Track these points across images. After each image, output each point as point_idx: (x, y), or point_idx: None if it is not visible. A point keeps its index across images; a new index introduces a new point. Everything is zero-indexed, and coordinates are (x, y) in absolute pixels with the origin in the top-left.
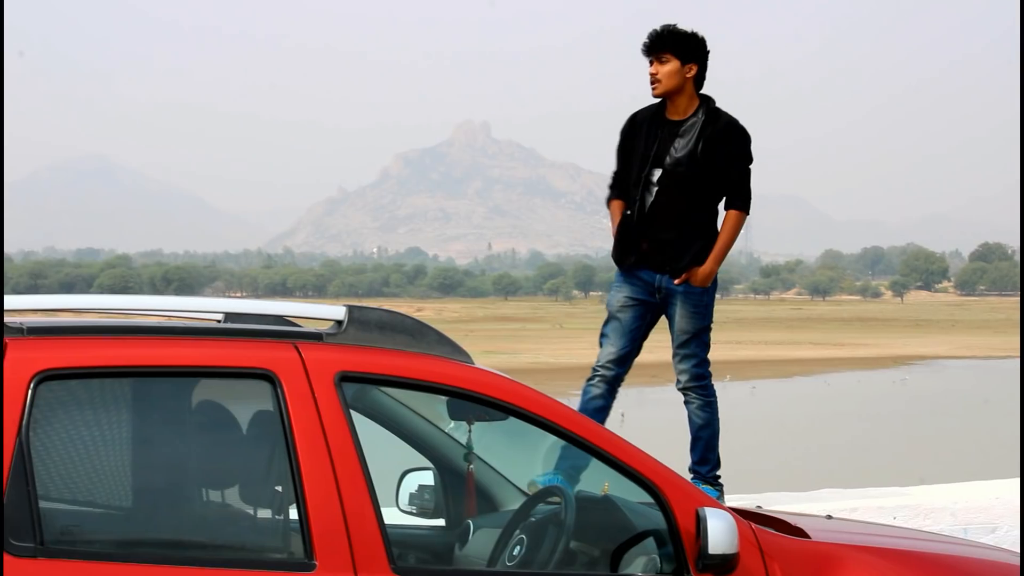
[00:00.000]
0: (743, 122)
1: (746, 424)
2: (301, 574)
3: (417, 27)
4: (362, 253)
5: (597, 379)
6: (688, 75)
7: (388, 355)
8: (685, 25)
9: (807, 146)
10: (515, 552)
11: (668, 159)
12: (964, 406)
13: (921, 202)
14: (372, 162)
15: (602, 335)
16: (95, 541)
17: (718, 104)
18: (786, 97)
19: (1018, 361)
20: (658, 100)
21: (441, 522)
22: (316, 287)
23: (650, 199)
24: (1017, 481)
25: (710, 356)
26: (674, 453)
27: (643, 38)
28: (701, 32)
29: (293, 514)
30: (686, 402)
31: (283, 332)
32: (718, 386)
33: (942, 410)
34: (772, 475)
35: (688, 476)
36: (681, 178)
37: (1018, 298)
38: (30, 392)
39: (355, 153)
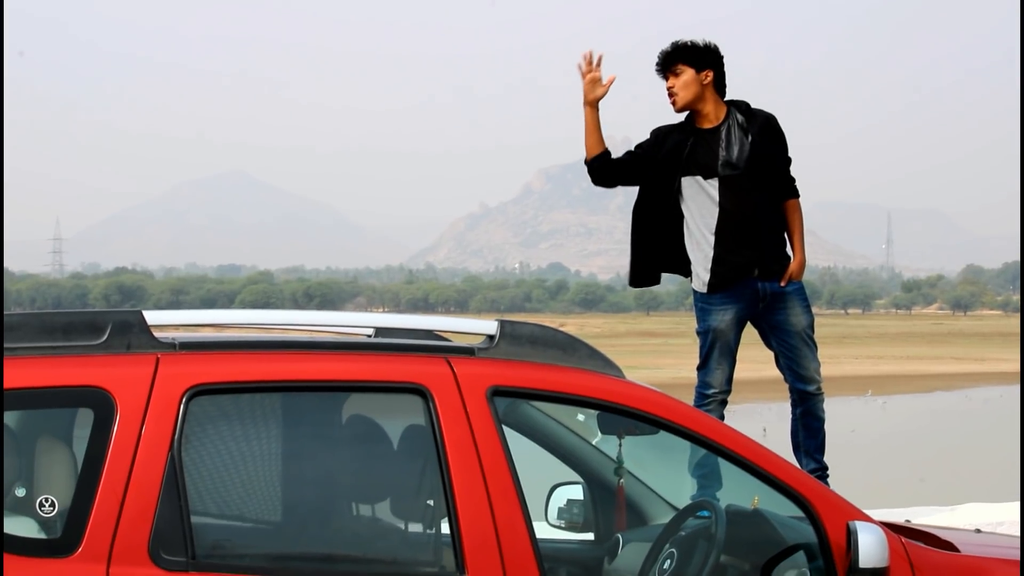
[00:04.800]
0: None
1: (890, 438)
2: None
3: (557, 43)
4: (504, 268)
5: (714, 404)
6: (706, 82)
7: (540, 369)
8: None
9: (948, 161)
10: (665, 566)
11: (720, 166)
12: None
13: None
14: (514, 178)
15: (708, 358)
16: (246, 555)
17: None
18: (932, 115)
19: None
20: (683, 116)
21: (591, 536)
22: (458, 302)
23: (715, 211)
24: None
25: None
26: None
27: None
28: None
29: (445, 528)
30: (813, 400)
31: (435, 347)
32: (860, 401)
33: None
34: (918, 489)
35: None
36: (744, 181)
37: None
38: (182, 407)
39: (497, 169)
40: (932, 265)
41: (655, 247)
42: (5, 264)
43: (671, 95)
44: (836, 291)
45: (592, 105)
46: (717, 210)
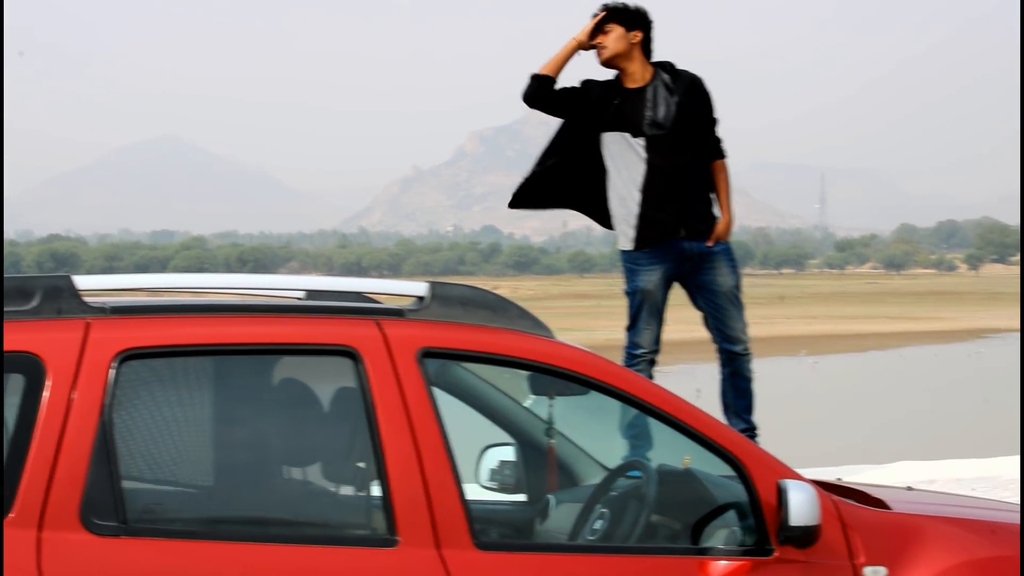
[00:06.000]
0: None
1: (822, 398)
2: (384, 550)
3: (490, 6)
4: (437, 232)
5: (644, 364)
6: (634, 41)
7: (470, 330)
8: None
9: (883, 121)
10: (596, 526)
11: (647, 126)
12: None
13: (996, 175)
14: (446, 141)
15: (636, 319)
16: (177, 519)
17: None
18: (864, 73)
19: None
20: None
21: (522, 497)
22: (391, 266)
23: (642, 169)
24: None
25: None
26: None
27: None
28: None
29: (375, 490)
30: (740, 360)
31: (365, 309)
32: (794, 360)
33: (1018, 382)
34: (851, 448)
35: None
36: (671, 141)
37: None
38: (113, 371)
39: (429, 132)
40: (866, 225)
41: (558, 180)
42: None
43: (598, 47)
44: (769, 251)
45: (577, 47)
46: (644, 168)
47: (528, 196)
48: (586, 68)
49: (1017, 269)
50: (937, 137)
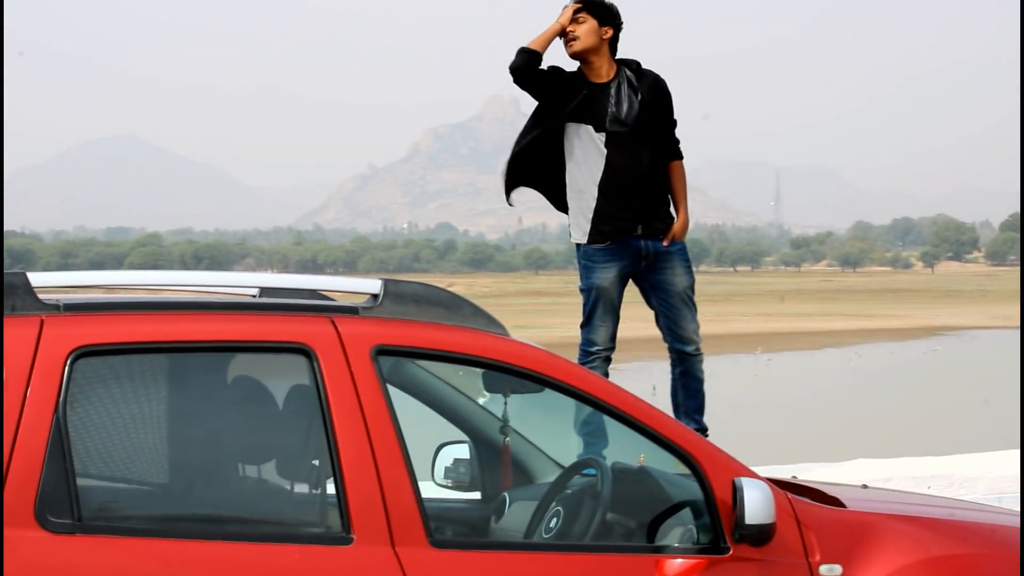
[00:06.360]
0: (778, 88)
1: (778, 395)
2: (338, 548)
3: (446, 2)
4: (392, 229)
5: (599, 361)
6: (605, 37)
7: (424, 328)
8: None
9: (838, 118)
10: (551, 524)
11: (609, 122)
12: (995, 376)
13: (951, 172)
14: (402, 138)
15: (591, 316)
16: (132, 517)
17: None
18: (818, 71)
19: None
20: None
21: (477, 495)
22: (347, 263)
23: (601, 164)
24: None
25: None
26: (707, 424)
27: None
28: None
29: (330, 488)
30: (691, 360)
31: (319, 306)
32: (749, 358)
33: (973, 380)
34: (807, 446)
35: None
36: (632, 139)
37: None
38: (67, 368)
39: (385, 129)
40: (821, 222)
41: (531, 160)
42: None
43: (570, 38)
44: (725, 249)
45: (560, 31)
46: (603, 163)
47: (513, 178)
48: (551, 57)
49: (972, 267)
50: (892, 134)
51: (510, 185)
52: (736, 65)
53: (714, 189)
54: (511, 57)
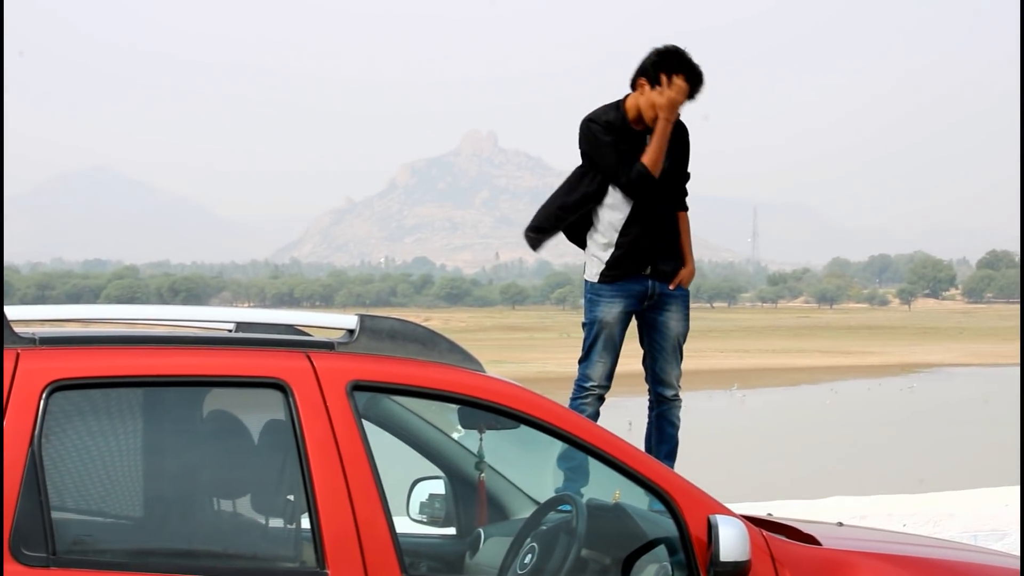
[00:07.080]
0: (751, 125)
1: (754, 433)
2: None
3: (422, 37)
4: (369, 263)
5: (592, 398)
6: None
7: (400, 364)
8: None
9: (814, 156)
10: (526, 560)
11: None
12: (972, 413)
13: (928, 210)
14: (379, 172)
15: (591, 350)
16: (107, 551)
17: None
18: (795, 109)
19: None
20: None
21: (452, 531)
22: (323, 297)
23: (627, 210)
24: None
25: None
26: (683, 461)
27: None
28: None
29: (305, 523)
30: (669, 405)
31: (294, 341)
32: (726, 394)
33: (950, 417)
34: (782, 483)
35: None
36: (660, 187)
37: None
38: (43, 402)
39: (362, 164)
40: (798, 259)
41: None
42: None
43: (675, 102)
44: (702, 284)
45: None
46: (630, 208)
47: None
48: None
49: (949, 304)
50: (869, 172)
51: (547, 235)
52: (714, 103)
53: (692, 225)
54: (491, 93)
